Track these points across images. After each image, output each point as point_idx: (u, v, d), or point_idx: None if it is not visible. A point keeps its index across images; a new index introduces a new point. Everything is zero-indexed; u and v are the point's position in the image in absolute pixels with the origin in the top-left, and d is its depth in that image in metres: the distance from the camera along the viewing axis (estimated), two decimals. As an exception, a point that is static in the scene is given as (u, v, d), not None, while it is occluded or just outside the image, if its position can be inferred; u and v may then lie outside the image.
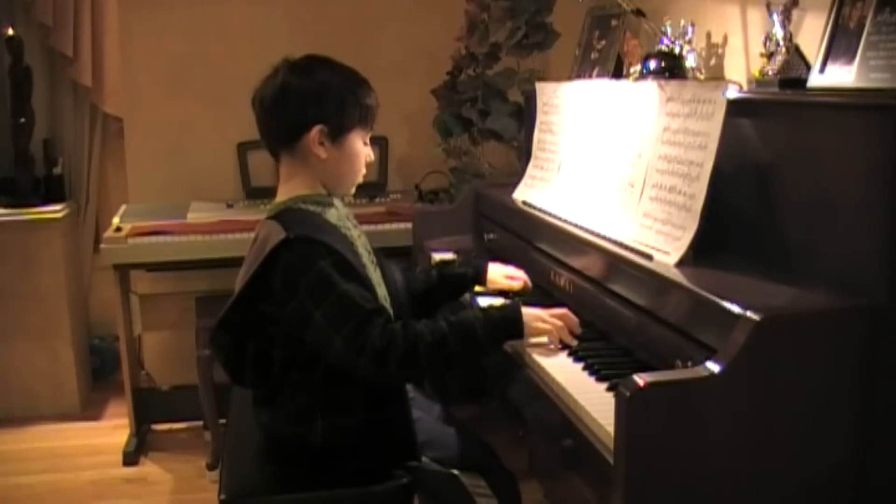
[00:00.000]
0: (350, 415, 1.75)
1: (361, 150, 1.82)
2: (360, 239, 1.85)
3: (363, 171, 1.85)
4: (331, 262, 1.66)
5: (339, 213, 1.83)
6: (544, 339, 1.74)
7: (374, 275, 1.82)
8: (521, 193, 2.44)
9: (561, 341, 1.74)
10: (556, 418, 1.54)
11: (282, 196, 1.81)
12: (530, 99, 2.65)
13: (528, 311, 1.73)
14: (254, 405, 1.88)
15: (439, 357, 1.65)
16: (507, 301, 1.95)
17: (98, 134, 3.82)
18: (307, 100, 1.74)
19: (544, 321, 1.74)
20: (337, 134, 1.76)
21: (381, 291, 1.81)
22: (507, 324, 1.71)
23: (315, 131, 1.74)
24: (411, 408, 1.82)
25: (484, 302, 2.02)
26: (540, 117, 2.49)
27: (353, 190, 1.89)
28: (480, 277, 2.09)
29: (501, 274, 2.09)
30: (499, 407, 3.12)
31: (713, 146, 1.59)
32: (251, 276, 1.71)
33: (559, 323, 1.74)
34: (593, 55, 2.57)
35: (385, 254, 1.98)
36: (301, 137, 1.75)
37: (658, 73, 2.05)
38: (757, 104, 1.66)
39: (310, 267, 1.66)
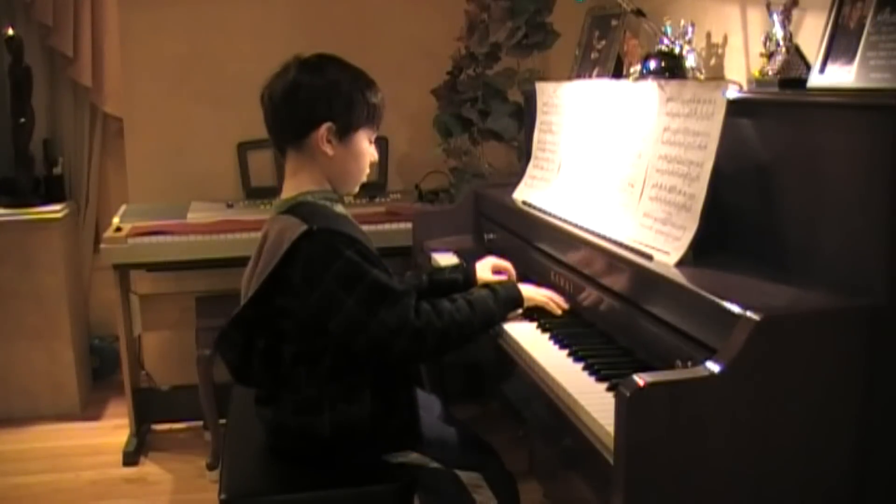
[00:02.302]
0: (358, 403, 1.77)
1: (367, 149, 1.84)
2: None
3: (367, 170, 1.88)
4: (355, 250, 1.69)
5: (344, 209, 1.85)
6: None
7: None
8: (521, 193, 2.44)
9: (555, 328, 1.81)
10: (556, 418, 1.54)
11: (288, 192, 1.82)
12: (530, 99, 2.65)
13: (523, 286, 1.96)
14: (256, 403, 1.88)
15: (466, 332, 1.79)
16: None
17: (98, 134, 3.82)
18: (317, 97, 1.76)
19: (537, 293, 1.94)
20: (344, 132, 1.78)
21: None
22: (512, 298, 1.90)
23: (323, 129, 1.76)
24: (416, 399, 1.85)
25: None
26: (540, 117, 2.49)
27: (356, 189, 1.91)
28: (471, 281, 2.10)
29: (489, 269, 2.13)
30: (499, 407, 3.12)
31: (713, 146, 1.59)
32: (271, 272, 1.71)
33: (549, 294, 1.94)
34: (593, 55, 2.57)
35: (385, 254, 1.99)
36: (309, 134, 1.77)
37: (658, 73, 2.05)
38: (757, 104, 1.66)
39: (336, 257, 1.68)
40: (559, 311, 1.91)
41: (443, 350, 1.81)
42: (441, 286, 2.08)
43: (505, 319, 1.89)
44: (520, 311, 1.92)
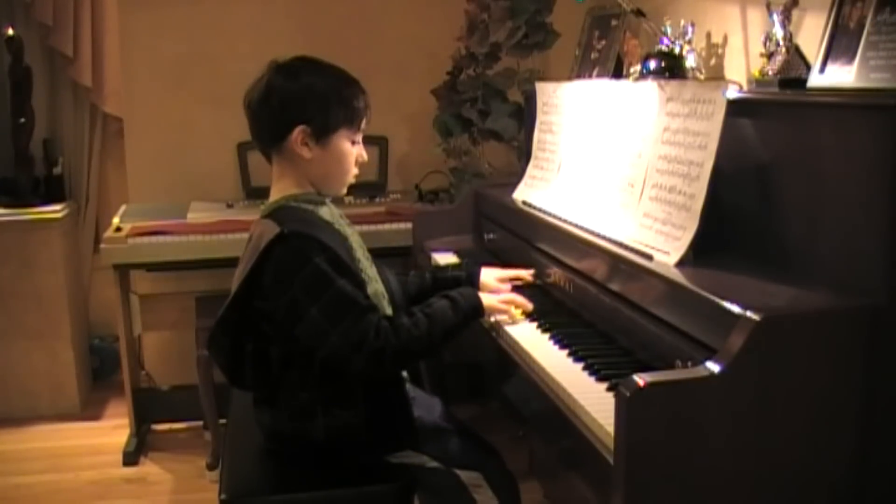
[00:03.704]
0: (351, 407, 1.77)
1: (349, 150, 1.83)
2: (353, 236, 1.86)
3: (353, 170, 1.86)
4: (325, 258, 1.69)
5: (331, 212, 1.85)
6: (504, 318, 1.92)
7: (370, 271, 1.84)
8: (521, 193, 2.44)
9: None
10: (556, 418, 1.54)
11: (274, 196, 1.84)
12: (530, 99, 2.65)
13: (484, 297, 1.90)
14: (254, 406, 1.88)
15: (426, 348, 1.77)
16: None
17: (98, 134, 3.82)
18: (290, 101, 1.76)
19: (497, 302, 1.92)
20: (321, 134, 1.78)
21: (378, 288, 1.84)
22: (471, 307, 1.85)
23: (297, 132, 1.76)
24: (410, 399, 1.85)
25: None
26: (540, 117, 2.49)
27: (344, 190, 1.90)
28: (474, 282, 2.09)
29: (494, 278, 2.09)
30: (499, 407, 3.12)
31: (713, 146, 1.59)
32: (247, 274, 1.72)
33: (507, 306, 1.92)
34: (593, 55, 2.57)
35: (384, 254, 2.00)
36: (286, 138, 1.77)
37: (658, 73, 2.05)
38: (757, 104, 1.66)
39: (304, 263, 1.68)
40: (521, 318, 1.91)
41: (402, 366, 1.85)
42: (445, 285, 2.07)
43: (466, 328, 1.85)
44: (482, 318, 1.89)
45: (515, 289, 2.07)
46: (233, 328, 1.81)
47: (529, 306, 1.94)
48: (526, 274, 2.13)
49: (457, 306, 1.81)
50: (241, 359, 1.84)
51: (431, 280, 2.09)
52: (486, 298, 1.89)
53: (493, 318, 1.93)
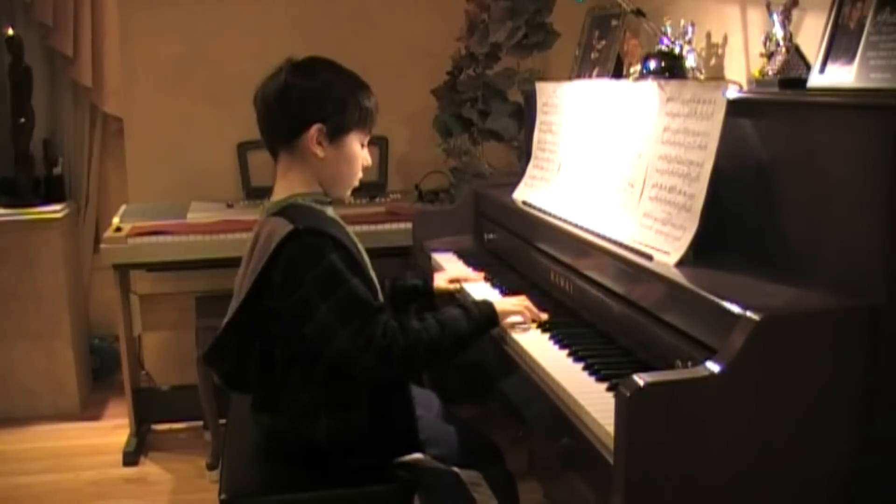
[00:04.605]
0: (355, 410, 1.77)
1: (359, 152, 1.84)
2: (355, 239, 1.86)
3: (360, 174, 1.87)
4: (338, 255, 1.69)
5: (334, 213, 1.85)
6: (519, 319, 1.88)
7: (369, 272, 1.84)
8: (521, 193, 2.44)
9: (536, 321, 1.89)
10: (556, 418, 1.54)
11: (279, 194, 1.83)
12: (530, 99, 2.65)
13: (498, 302, 1.88)
14: (252, 409, 1.88)
15: (435, 354, 1.74)
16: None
17: (98, 134, 3.82)
18: (308, 99, 1.76)
19: (514, 307, 1.89)
20: (336, 134, 1.78)
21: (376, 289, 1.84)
22: (486, 317, 1.83)
23: (314, 130, 1.76)
24: (413, 401, 1.85)
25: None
26: (540, 117, 2.49)
27: (348, 193, 1.91)
28: (429, 287, 2.17)
29: (444, 279, 2.17)
30: (499, 407, 3.12)
31: (713, 146, 1.59)
32: (259, 274, 1.72)
33: (526, 303, 1.89)
34: (593, 55, 2.57)
35: (385, 254, 2.01)
36: (300, 136, 1.77)
37: (658, 73, 2.05)
38: (757, 104, 1.66)
39: (318, 260, 1.68)
40: (536, 323, 1.87)
41: (409, 370, 1.78)
42: (402, 292, 2.13)
43: (480, 337, 1.82)
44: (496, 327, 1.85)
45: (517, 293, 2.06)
46: (240, 330, 1.80)
47: (543, 317, 1.88)
48: (475, 277, 2.22)
49: (470, 315, 1.80)
50: (246, 362, 1.83)
51: (391, 289, 2.10)
52: (500, 304, 1.87)
53: (507, 320, 1.88)
